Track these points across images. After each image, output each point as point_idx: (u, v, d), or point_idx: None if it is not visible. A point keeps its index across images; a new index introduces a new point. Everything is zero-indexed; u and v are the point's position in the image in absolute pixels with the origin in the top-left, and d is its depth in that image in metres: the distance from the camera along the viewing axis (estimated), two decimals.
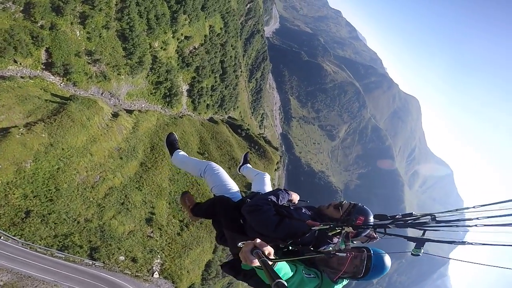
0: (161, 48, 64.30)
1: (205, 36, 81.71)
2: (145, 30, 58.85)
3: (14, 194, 27.97)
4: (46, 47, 43.30)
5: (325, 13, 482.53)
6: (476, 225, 1.53)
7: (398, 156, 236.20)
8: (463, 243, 1.62)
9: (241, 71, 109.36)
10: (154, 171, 43.78)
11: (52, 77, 44.42)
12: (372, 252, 2.23)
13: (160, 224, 39.84)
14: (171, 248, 38.67)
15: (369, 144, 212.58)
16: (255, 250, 1.58)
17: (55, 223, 29.94)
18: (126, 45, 54.13)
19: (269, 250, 1.63)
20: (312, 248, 2.45)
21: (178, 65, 70.59)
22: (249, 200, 2.96)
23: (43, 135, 32.79)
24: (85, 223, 32.46)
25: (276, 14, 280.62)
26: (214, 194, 3.30)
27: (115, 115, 47.78)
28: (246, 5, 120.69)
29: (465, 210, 1.65)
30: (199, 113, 74.96)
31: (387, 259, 2.26)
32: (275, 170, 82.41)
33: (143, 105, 59.28)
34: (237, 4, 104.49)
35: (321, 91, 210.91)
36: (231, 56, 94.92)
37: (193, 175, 3.74)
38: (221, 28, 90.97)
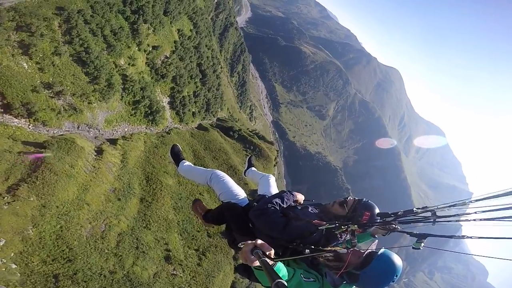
0: (129, 64, 57.61)
1: (175, 42, 75.70)
2: (105, 49, 52.22)
3: (33, 261, 26.86)
4: None
5: None
6: (474, 220, 1.61)
7: (389, 124, 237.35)
8: (462, 237, 1.69)
9: (221, 68, 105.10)
10: (156, 204, 41.01)
11: (16, 120, 38.87)
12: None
13: (179, 259, 38.33)
14: (196, 281, 37.49)
15: (359, 118, 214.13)
16: (255, 250, 1.59)
17: (85, 281, 29.05)
18: (88, 70, 48.09)
19: (269, 250, 1.65)
20: (321, 247, 2.35)
21: (152, 78, 64.48)
22: (256, 204, 3.01)
23: (31, 199, 29.96)
24: (110, 275, 31.26)
25: (246, 3, 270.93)
26: (221, 201, 3.35)
27: (99, 151, 43.08)
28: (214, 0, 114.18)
29: (464, 206, 1.76)
30: (186, 123, 70.65)
31: (396, 257, 2.07)
32: (274, 165, 79.12)
33: (126, 129, 54.37)
34: (203, 1, 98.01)
35: (304, 73, 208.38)
36: (207, 57, 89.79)
37: (200, 184, 3.77)
38: (191, 30, 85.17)
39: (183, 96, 71.34)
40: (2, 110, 37.27)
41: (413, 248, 1.88)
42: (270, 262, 1.53)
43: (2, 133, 36.24)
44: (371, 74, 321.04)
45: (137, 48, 60.20)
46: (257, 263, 1.54)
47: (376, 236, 2.84)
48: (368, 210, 2.47)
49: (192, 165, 4.00)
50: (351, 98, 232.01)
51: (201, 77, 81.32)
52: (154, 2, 66.46)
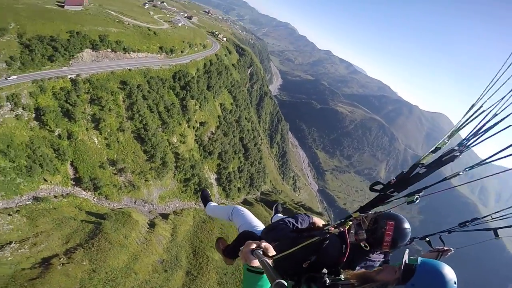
0: (180, 142, 66.57)
1: (219, 116, 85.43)
2: (160, 126, 61.55)
3: None
4: (70, 161, 46.19)
5: (317, 57, 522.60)
6: None
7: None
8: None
9: (261, 139, 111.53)
10: (201, 278, 42.03)
11: (84, 192, 47.45)
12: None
13: None
14: None
15: None
16: (256, 251, 1.64)
17: None
18: (146, 147, 56.73)
19: (270, 251, 1.70)
20: (341, 269, 2.18)
21: (200, 155, 72.52)
22: None
23: (84, 263, 33.54)
24: None
25: (276, 71, 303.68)
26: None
27: (152, 225, 49.03)
28: (248, 71, 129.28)
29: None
30: (232, 199, 72.67)
31: (443, 266, 1.78)
32: None
33: (177, 205, 61.03)
34: (238, 74, 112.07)
35: (345, 135, 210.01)
36: (248, 130, 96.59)
37: (223, 220, 4.04)
38: (231, 104, 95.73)
39: (228, 172, 76.42)
40: (74, 183, 46.58)
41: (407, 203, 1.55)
42: (271, 263, 1.57)
43: (71, 202, 44.01)
44: (417, 125, 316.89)
45: (187, 125, 70.62)
46: (256, 264, 1.59)
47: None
48: (391, 219, 2.26)
49: (217, 204, 4.42)
50: (401, 155, 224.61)
51: (243, 151, 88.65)
52: (198, 78, 78.25)
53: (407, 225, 2.33)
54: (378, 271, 2.00)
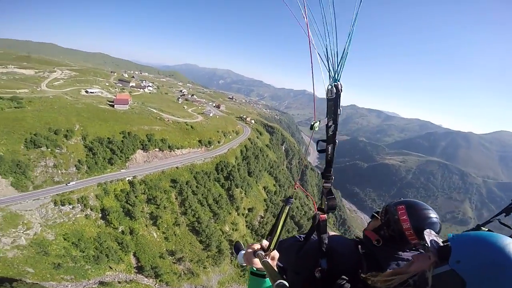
0: (233, 229, 69.96)
1: (265, 200, 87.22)
2: (211, 218, 66.43)
3: None
4: (133, 252, 51.96)
5: (344, 114, 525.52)
6: None
7: None
8: None
9: (313, 212, 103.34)
10: None
11: (146, 279, 50.99)
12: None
13: None
14: None
15: None
16: (258, 252, 1.68)
17: None
18: (201, 238, 61.45)
19: (274, 256, 1.74)
20: (363, 274, 1.90)
21: (254, 239, 72.34)
22: None
23: None
24: None
25: (310, 141, 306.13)
26: None
27: None
28: (282, 148, 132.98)
29: None
30: None
31: (484, 232, 1.41)
32: None
33: None
34: (274, 153, 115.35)
35: (406, 187, 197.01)
36: (297, 207, 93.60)
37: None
38: (274, 185, 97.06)
39: None
40: (136, 271, 50.63)
41: None
42: (273, 264, 1.60)
43: None
44: (482, 152, 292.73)
45: (236, 213, 73.21)
46: (258, 265, 1.61)
47: None
48: (401, 203, 2.04)
49: None
50: (483, 188, 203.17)
51: (297, 228, 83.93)
52: (238, 166, 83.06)
53: (424, 207, 1.98)
54: (409, 264, 1.68)
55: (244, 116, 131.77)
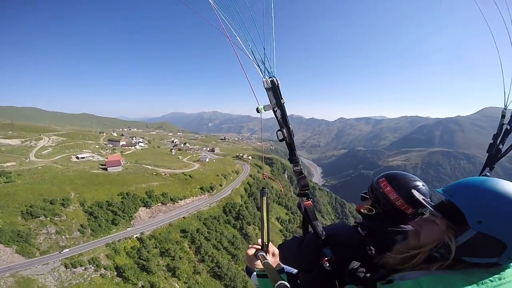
0: None
1: (280, 230, 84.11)
2: (230, 260, 64.90)
3: None
4: None
5: (335, 129, 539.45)
6: None
7: None
8: None
9: None
10: None
11: None
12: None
13: None
14: None
15: None
16: (259, 253, 1.63)
17: None
18: (225, 282, 59.88)
19: (274, 251, 1.71)
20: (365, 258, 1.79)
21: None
22: None
23: None
24: None
25: (310, 162, 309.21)
26: None
27: None
28: (285, 176, 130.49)
29: None
30: None
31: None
32: None
33: None
34: (278, 183, 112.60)
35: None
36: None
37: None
38: (286, 213, 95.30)
39: None
40: None
41: None
42: (275, 266, 1.57)
43: None
44: (478, 131, 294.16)
45: None
46: (260, 266, 1.57)
47: None
48: (381, 177, 2.06)
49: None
50: (499, 167, 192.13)
51: None
52: (245, 203, 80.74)
53: (405, 175, 1.99)
54: (415, 234, 1.37)
55: (241, 154, 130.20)
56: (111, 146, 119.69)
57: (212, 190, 77.68)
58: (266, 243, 1.66)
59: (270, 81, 1.53)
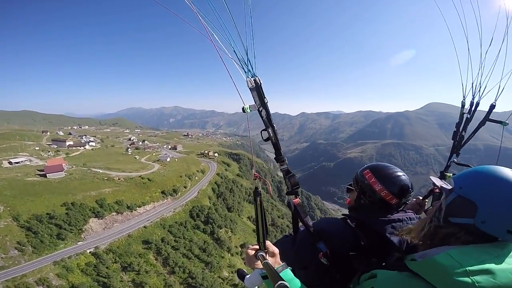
0: (232, 272, 61.19)
1: (254, 230, 78.05)
2: (204, 268, 58.68)
3: None
4: None
5: (297, 123, 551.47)
6: None
7: None
8: None
9: None
10: None
11: None
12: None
13: None
14: None
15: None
16: (259, 253, 1.61)
17: None
18: None
19: (274, 251, 1.66)
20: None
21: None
22: None
23: None
24: None
25: (272, 155, 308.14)
26: None
27: None
28: (253, 172, 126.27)
29: None
30: None
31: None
32: None
33: None
34: (246, 180, 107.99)
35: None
36: (287, 225, 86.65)
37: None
38: None
39: None
40: None
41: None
42: (275, 266, 1.54)
43: None
44: (423, 125, 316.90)
45: (229, 254, 64.30)
46: (260, 266, 1.56)
47: None
48: (364, 169, 2.09)
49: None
50: (438, 155, 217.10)
51: None
52: (214, 205, 74.40)
53: (388, 166, 2.05)
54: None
55: (206, 151, 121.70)
56: (55, 147, 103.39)
57: (176, 193, 69.73)
58: (262, 242, 1.63)
59: (253, 80, 1.53)
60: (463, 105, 2.87)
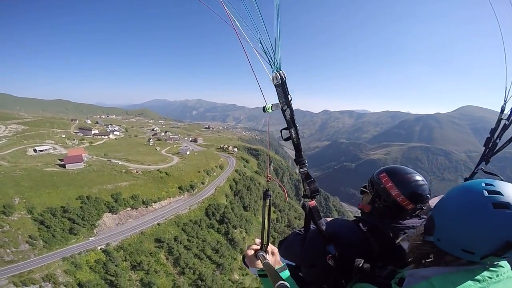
0: (243, 275, 59.20)
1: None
2: (215, 270, 56.93)
3: None
4: None
5: (319, 121, 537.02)
6: None
7: None
8: None
9: None
10: None
11: None
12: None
13: None
14: None
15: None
16: (259, 253, 1.62)
17: None
18: None
19: (273, 250, 1.68)
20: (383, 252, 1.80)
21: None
22: None
23: None
24: None
25: (294, 153, 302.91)
26: None
27: None
28: (271, 169, 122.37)
29: None
30: None
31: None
32: None
33: None
34: (264, 178, 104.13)
35: None
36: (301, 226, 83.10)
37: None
38: (274, 212, 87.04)
39: None
40: None
41: None
42: (276, 266, 1.55)
43: None
44: (455, 129, 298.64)
45: (242, 256, 59.72)
46: (260, 266, 1.57)
47: None
48: (381, 172, 2.00)
49: None
50: (469, 162, 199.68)
51: None
52: (231, 204, 71.36)
53: (406, 171, 1.93)
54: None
55: (226, 146, 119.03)
56: (81, 135, 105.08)
57: (193, 189, 67.17)
58: (266, 244, 1.63)
59: (278, 75, 1.42)
60: (502, 110, 2.63)
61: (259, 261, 1.57)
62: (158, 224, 55.14)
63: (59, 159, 62.19)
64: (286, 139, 1.55)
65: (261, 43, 1.32)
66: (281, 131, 1.56)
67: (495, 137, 2.69)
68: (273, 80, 1.36)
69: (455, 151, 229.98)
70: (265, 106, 1.42)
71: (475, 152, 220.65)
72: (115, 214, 52.81)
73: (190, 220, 59.65)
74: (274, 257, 1.64)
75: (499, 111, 2.69)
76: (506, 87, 2.50)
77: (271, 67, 1.35)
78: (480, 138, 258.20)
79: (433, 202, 1.53)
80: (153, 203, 58.11)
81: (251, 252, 1.64)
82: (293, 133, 1.52)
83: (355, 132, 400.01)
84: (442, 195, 1.37)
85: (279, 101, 1.42)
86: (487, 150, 2.74)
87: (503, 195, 1.06)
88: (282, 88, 1.39)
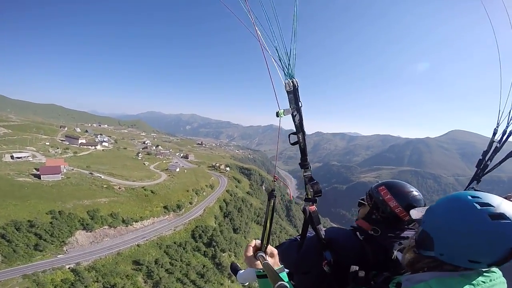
0: None
1: None
2: None
3: None
4: None
5: (312, 142, 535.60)
6: None
7: None
8: None
9: None
10: None
11: None
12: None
13: None
14: None
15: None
16: (258, 253, 1.61)
17: None
18: None
19: (272, 252, 1.67)
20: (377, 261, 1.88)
21: None
22: None
23: None
24: None
25: (285, 173, 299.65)
26: None
27: None
28: (262, 189, 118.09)
29: None
30: None
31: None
32: None
33: None
34: (256, 199, 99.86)
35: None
36: None
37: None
38: None
39: None
40: None
41: None
42: (275, 267, 1.52)
43: None
44: (444, 153, 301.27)
45: (230, 281, 56.99)
46: (260, 266, 1.57)
47: None
48: (380, 185, 2.05)
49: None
50: (458, 185, 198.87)
51: None
52: (220, 226, 66.21)
53: (403, 184, 2.04)
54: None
55: (218, 164, 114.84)
56: (67, 143, 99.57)
57: (180, 210, 62.38)
58: (265, 245, 1.64)
59: (291, 82, 1.48)
60: (494, 133, 2.73)
61: (258, 261, 1.54)
62: (138, 245, 50.11)
63: (35, 169, 56.88)
64: (293, 144, 1.59)
65: (276, 51, 1.38)
66: (289, 136, 1.58)
67: (486, 159, 2.72)
68: (285, 87, 1.42)
69: (443, 175, 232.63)
70: (278, 111, 1.46)
71: (463, 176, 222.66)
72: (90, 232, 47.81)
73: (174, 242, 54.68)
74: (273, 259, 1.62)
75: (490, 134, 2.76)
76: (499, 110, 2.55)
77: (285, 74, 1.42)
78: (468, 163, 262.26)
79: (416, 216, 1.51)
80: (134, 222, 53.03)
81: (250, 253, 1.61)
82: (300, 138, 1.58)
83: (346, 155, 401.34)
84: (425, 207, 1.46)
85: (290, 106, 1.46)
86: (479, 170, 2.74)
87: (494, 206, 1.13)
88: (294, 95, 1.44)
